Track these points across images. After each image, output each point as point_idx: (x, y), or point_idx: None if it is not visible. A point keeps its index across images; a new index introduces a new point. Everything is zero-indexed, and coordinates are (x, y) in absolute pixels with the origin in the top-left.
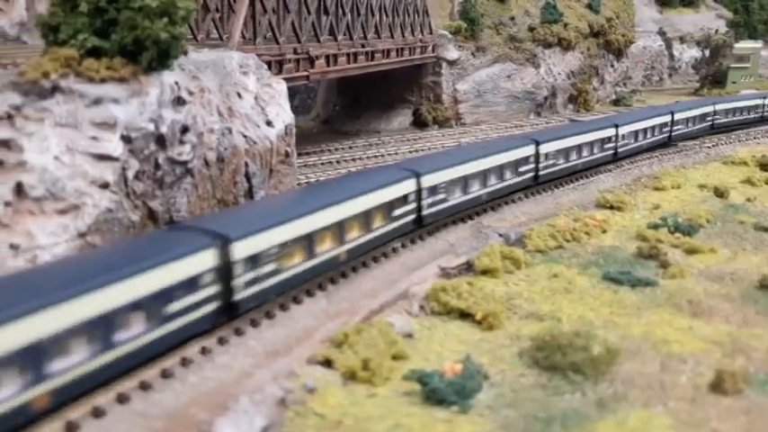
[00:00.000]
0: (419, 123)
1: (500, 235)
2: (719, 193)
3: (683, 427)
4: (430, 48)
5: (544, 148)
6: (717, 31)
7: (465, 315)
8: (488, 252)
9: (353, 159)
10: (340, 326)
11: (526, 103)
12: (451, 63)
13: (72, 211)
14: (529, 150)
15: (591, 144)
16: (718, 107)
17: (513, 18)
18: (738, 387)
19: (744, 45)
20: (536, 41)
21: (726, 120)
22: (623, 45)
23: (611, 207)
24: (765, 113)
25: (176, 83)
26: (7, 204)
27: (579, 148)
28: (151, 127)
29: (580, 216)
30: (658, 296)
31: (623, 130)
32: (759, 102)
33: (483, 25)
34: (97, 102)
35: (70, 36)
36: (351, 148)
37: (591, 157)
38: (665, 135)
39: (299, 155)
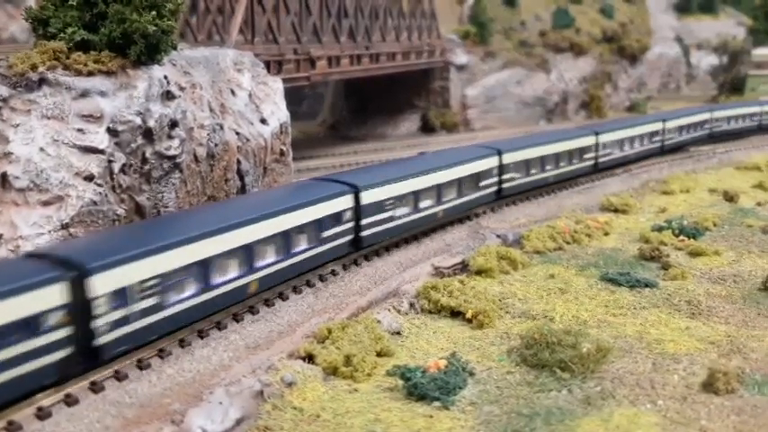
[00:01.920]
0: (427, 129)
1: (498, 236)
2: (729, 197)
3: (670, 425)
4: (438, 52)
5: (508, 159)
6: (734, 37)
7: (456, 313)
8: (484, 252)
9: (357, 164)
10: (325, 321)
11: (537, 110)
12: (460, 68)
13: (56, 202)
14: (491, 162)
15: (565, 154)
16: (716, 114)
17: (523, 23)
18: (731, 386)
19: (762, 52)
20: (547, 46)
21: (724, 128)
22: (638, 51)
23: (616, 210)
24: (763, 122)
25: (165, 77)
26: None
27: (551, 158)
28: (138, 120)
29: (582, 218)
30: (657, 297)
31: (604, 138)
32: (757, 109)
33: (493, 30)
34: (84, 94)
35: (59, 29)
36: (356, 152)
37: (564, 169)
38: (655, 145)
39: (303, 158)
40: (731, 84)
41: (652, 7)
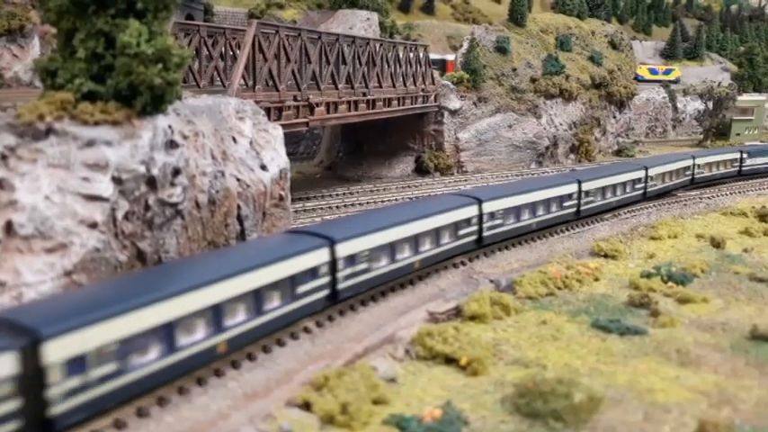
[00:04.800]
0: (421, 171)
1: (491, 281)
2: (716, 244)
3: None
4: (432, 97)
5: (488, 208)
6: (719, 83)
7: (450, 360)
8: (477, 298)
9: (353, 205)
10: (322, 369)
11: (527, 153)
12: (453, 112)
13: (59, 249)
14: (471, 211)
15: (547, 202)
16: (699, 161)
17: (515, 69)
18: None
19: (747, 98)
20: (538, 92)
21: (706, 174)
22: (625, 97)
23: (606, 255)
24: (743, 168)
25: (170, 126)
26: None
27: (532, 206)
28: (142, 169)
29: (573, 264)
30: (647, 345)
31: (588, 186)
32: (736, 155)
33: (485, 76)
34: (90, 144)
35: (67, 80)
36: (352, 193)
37: (546, 216)
38: (638, 192)
39: (300, 199)
40: (717, 129)
41: (639, 54)
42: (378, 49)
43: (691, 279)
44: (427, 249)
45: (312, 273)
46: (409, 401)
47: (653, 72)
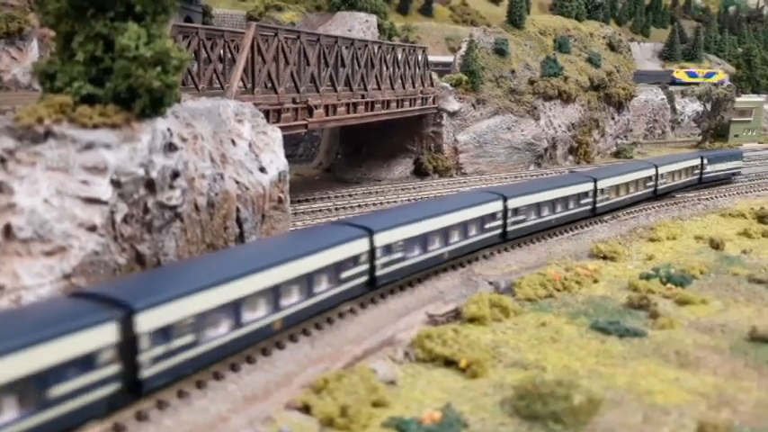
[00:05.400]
0: (420, 172)
1: (490, 283)
2: (715, 245)
3: None
4: (431, 99)
5: (513, 204)
6: (717, 85)
7: (450, 362)
8: (477, 300)
9: (351, 207)
10: (321, 371)
11: (526, 154)
12: (452, 114)
13: (58, 252)
14: (497, 206)
15: (565, 199)
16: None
17: (513, 71)
18: None
19: (746, 99)
20: (536, 94)
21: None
22: (624, 98)
23: (605, 257)
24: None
25: (169, 129)
26: None
27: (552, 203)
28: (141, 172)
29: (572, 265)
30: (646, 346)
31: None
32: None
33: (483, 78)
34: (89, 147)
35: (66, 83)
36: (351, 195)
37: (565, 213)
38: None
39: (299, 201)
40: (715, 130)
41: (638, 55)
42: (376, 51)
43: (690, 281)
44: (456, 241)
45: (354, 260)
46: (409, 404)
47: (691, 75)
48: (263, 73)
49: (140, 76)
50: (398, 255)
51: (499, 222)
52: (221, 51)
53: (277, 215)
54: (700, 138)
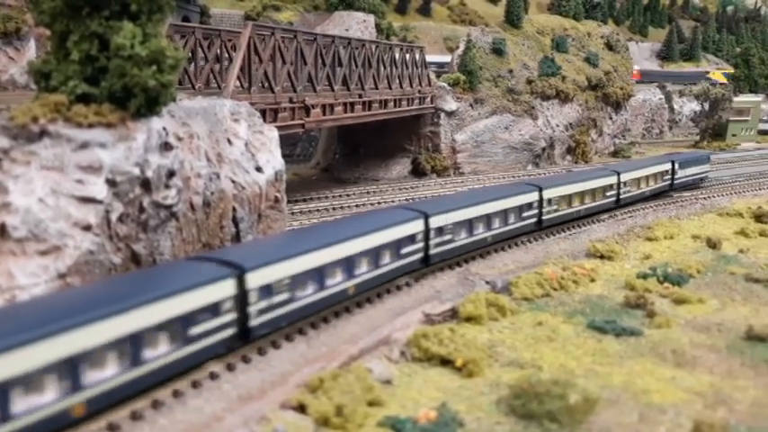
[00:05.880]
0: (418, 172)
1: (487, 282)
2: (712, 244)
3: None
4: (428, 99)
5: (547, 194)
6: (715, 85)
7: (446, 362)
8: (473, 299)
9: (349, 207)
10: (317, 371)
11: (524, 154)
12: (450, 114)
13: (53, 252)
14: (533, 196)
15: (593, 191)
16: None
17: (511, 71)
18: None
19: (744, 99)
20: (534, 94)
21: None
22: (622, 98)
23: (602, 256)
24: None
25: (164, 128)
26: None
27: (581, 195)
28: (137, 171)
29: (569, 265)
30: (642, 346)
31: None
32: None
33: (481, 78)
34: (84, 146)
35: (61, 82)
36: (349, 195)
37: (592, 204)
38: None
39: (296, 201)
40: (713, 129)
41: (636, 55)
42: (374, 50)
43: (687, 280)
44: (497, 227)
45: (411, 239)
46: (404, 403)
47: (728, 76)
48: (259, 72)
49: (136, 76)
50: (449, 236)
51: (535, 211)
52: (218, 51)
53: (273, 215)
54: (698, 137)
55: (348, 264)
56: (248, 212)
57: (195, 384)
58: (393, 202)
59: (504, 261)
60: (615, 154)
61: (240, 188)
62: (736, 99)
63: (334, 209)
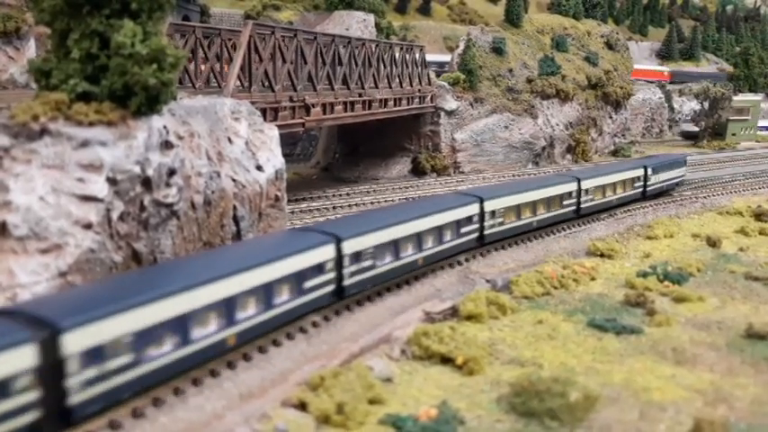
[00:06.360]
0: (418, 171)
1: (487, 281)
2: (712, 243)
3: None
4: (428, 98)
5: (584, 185)
6: (715, 84)
7: (446, 360)
8: (474, 297)
9: (349, 206)
10: (318, 369)
11: (524, 153)
12: (450, 113)
13: (54, 250)
14: (572, 187)
15: (624, 182)
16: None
17: (511, 70)
18: None
19: (743, 98)
20: (534, 93)
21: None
22: (622, 97)
23: (602, 255)
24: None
25: (165, 127)
26: None
27: (614, 186)
28: (137, 169)
29: (569, 263)
30: (642, 344)
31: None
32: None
33: (481, 77)
34: (84, 144)
35: (62, 81)
36: (349, 194)
37: (624, 194)
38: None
39: (296, 200)
40: (713, 129)
41: (635, 54)
42: (374, 49)
43: (687, 278)
44: (542, 213)
45: (469, 220)
46: (405, 401)
47: None
48: (260, 71)
49: (136, 74)
50: (501, 219)
51: (574, 200)
52: (218, 50)
53: (274, 213)
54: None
55: (418, 239)
56: (249, 211)
57: (196, 382)
58: (393, 201)
59: (504, 260)
60: (615, 153)
61: (241, 187)
62: (735, 98)
63: (334, 208)
